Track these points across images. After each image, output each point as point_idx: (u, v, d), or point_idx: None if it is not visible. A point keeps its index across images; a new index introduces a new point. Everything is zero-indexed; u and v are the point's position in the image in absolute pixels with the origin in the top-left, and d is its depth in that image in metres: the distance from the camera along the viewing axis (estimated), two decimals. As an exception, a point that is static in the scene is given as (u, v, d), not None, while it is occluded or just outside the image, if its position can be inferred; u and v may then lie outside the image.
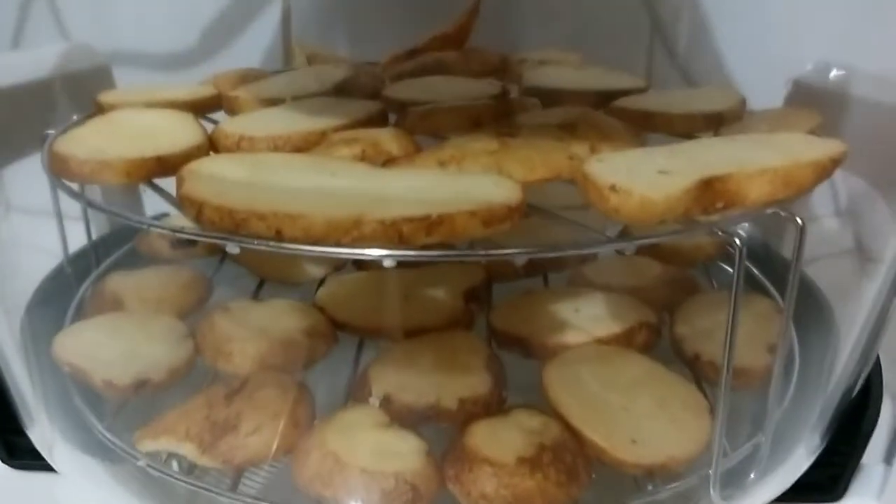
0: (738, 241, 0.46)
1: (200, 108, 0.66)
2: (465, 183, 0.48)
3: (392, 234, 0.44)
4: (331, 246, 0.44)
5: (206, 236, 0.47)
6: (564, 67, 0.82)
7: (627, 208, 0.46)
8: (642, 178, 0.47)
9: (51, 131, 0.59)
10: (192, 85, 0.71)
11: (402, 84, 0.75)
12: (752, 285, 0.69)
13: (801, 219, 0.49)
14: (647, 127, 0.63)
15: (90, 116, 0.64)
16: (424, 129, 0.62)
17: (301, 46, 0.87)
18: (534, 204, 0.48)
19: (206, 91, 0.69)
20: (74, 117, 0.64)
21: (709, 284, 0.73)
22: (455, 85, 0.75)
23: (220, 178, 0.47)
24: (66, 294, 0.70)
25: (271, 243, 0.44)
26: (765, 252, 0.73)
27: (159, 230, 0.48)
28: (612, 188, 0.46)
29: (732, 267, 0.47)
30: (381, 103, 0.66)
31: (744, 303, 0.48)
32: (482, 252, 0.46)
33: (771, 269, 0.71)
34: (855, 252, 0.70)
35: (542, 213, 0.49)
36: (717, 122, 0.64)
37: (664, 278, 0.68)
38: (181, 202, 0.46)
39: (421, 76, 0.78)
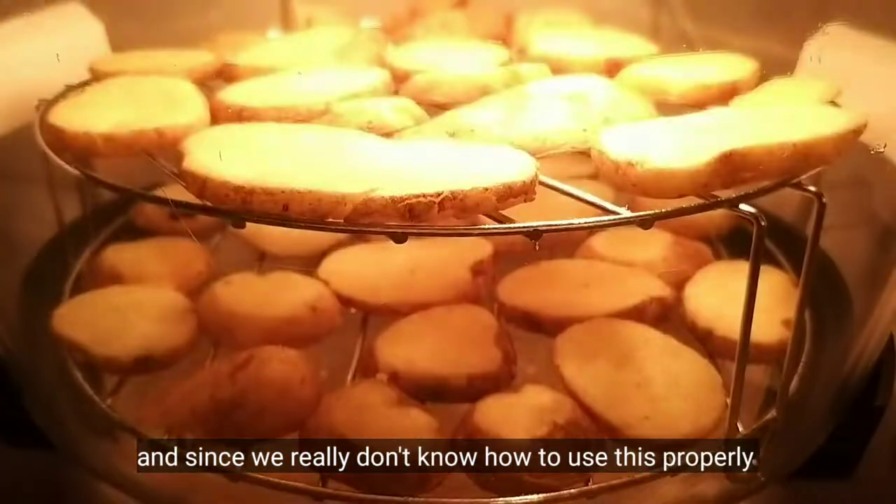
0: (758, 219, 0.45)
1: (198, 77, 0.64)
2: (477, 155, 0.46)
3: (403, 210, 0.42)
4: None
5: (212, 210, 0.45)
6: (572, 30, 0.80)
7: (646, 183, 0.45)
8: (661, 150, 0.45)
9: (44, 99, 0.57)
10: (188, 52, 0.69)
11: (406, 49, 0.73)
12: (764, 256, 0.68)
13: (821, 194, 0.48)
14: (661, 95, 0.61)
15: (84, 84, 0.62)
16: (432, 97, 0.60)
17: (301, 7, 0.85)
18: (544, 179, 0.47)
19: (204, 58, 0.67)
20: (66, 85, 0.62)
21: (719, 255, 0.72)
22: (461, 50, 0.73)
23: (223, 151, 0.46)
24: (62, 266, 0.69)
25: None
26: (776, 222, 0.72)
27: (158, 203, 0.46)
28: (630, 163, 0.45)
29: (746, 240, 0.46)
30: (385, 71, 0.64)
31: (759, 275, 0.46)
32: (496, 227, 0.44)
33: (783, 239, 0.70)
34: (870, 222, 0.69)
35: (554, 187, 0.48)
36: (732, 93, 0.62)
37: (675, 250, 0.67)
38: (183, 177, 0.44)
39: (425, 38, 0.76)
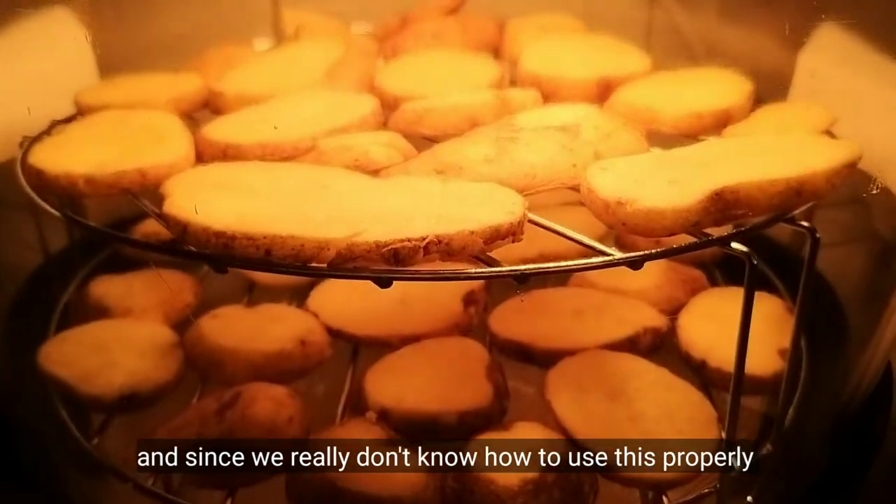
0: (749, 258, 0.44)
1: (184, 107, 0.64)
2: (464, 195, 0.45)
3: (388, 255, 0.41)
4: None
5: (193, 255, 0.44)
6: (564, 38, 0.79)
7: (635, 222, 0.44)
8: (651, 188, 0.44)
9: (27, 136, 0.56)
10: (174, 76, 0.68)
11: (396, 69, 0.72)
12: (760, 282, 0.67)
13: (814, 229, 0.47)
14: (653, 124, 0.60)
15: (69, 119, 0.61)
16: (420, 130, 0.59)
17: (291, 13, 0.83)
18: (533, 217, 0.46)
19: (191, 85, 0.66)
20: (51, 121, 0.61)
21: (714, 279, 0.71)
22: (451, 67, 0.72)
23: (205, 194, 0.45)
24: (48, 297, 0.68)
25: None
26: (770, 243, 0.71)
27: (140, 248, 0.45)
28: (619, 202, 0.44)
29: (741, 264, 0.45)
30: (374, 99, 0.63)
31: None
32: (483, 270, 0.44)
33: (777, 261, 0.69)
34: (867, 241, 0.68)
35: (544, 226, 0.47)
36: (725, 121, 0.61)
37: (669, 277, 0.66)
38: (165, 220, 0.44)
39: (416, 48, 0.75)
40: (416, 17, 0.85)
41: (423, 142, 0.58)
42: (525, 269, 0.43)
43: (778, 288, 0.67)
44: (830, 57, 0.64)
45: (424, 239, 0.41)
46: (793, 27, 0.66)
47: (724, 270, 0.72)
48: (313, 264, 0.42)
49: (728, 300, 0.62)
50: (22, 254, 0.70)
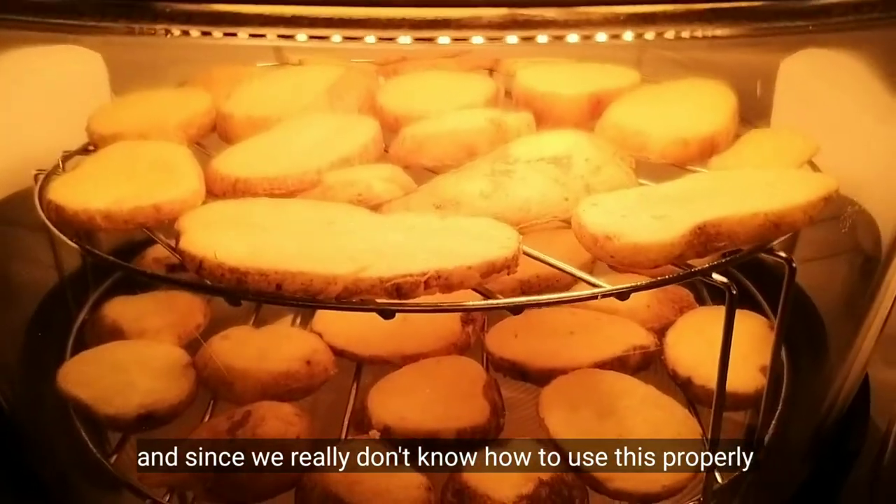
0: (729, 288, 0.47)
1: (193, 133, 0.66)
2: (462, 230, 0.48)
3: (391, 289, 0.44)
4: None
5: (208, 289, 0.47)
6: (557, 62, 0.81)
7: (622, 255, 0.47)
8: (637, 224, 0.47)
9: (42, 170, 0.59)
10: (183, 94, 0.70)
11: (396, 87, 0.75)
12: (746, 300, 0.70)
13: (791, 259, 0.50)
14: (641, 152, 0.63)
15: (82, 150, 0.64)
16: (419, 158, 0.62)
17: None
18: (527, 250, 0.49)
19: (199, 105, 0.68)
20: (63, 152, 0.63)
21: (702, 297, 0.74)
22: (449, 85, 0.74)
23: (218, 231, 0.48)
24: (64, 316, 0.71)
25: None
26: (756, 262, 0.74)
27: (161, 281, 0.48)
28: (607, 237, 0.47)
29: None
30: (374, 123, 0.66)
31: (735, 322, 0.48)
32: (480, 303, 0.47)
33: (761, 278, 0.72)
34: (847, 254, 0.71)
35: (537, 258, 0.50)
36: (710, 148, 0.64)
37: (658, 296, 0.69)
38: (181, 255, 0.46)
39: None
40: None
41: (423, 172, 0.62)
42: (519, 302, 0.46)
43: (762, 304, 0.70)
44: (811, 73, 0.66)
45: (425, 274, 0.44)
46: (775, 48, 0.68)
47: (711, 289, 0.74)
48: (321, 298, 0.45)
49: (714, 319, 0.64)
50: (37, 272, 0.73)
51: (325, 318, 0.67)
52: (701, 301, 0.71)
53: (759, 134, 0.65)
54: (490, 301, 0.47)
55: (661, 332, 0.66)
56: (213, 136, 0.68)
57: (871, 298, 0.63)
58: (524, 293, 0.70)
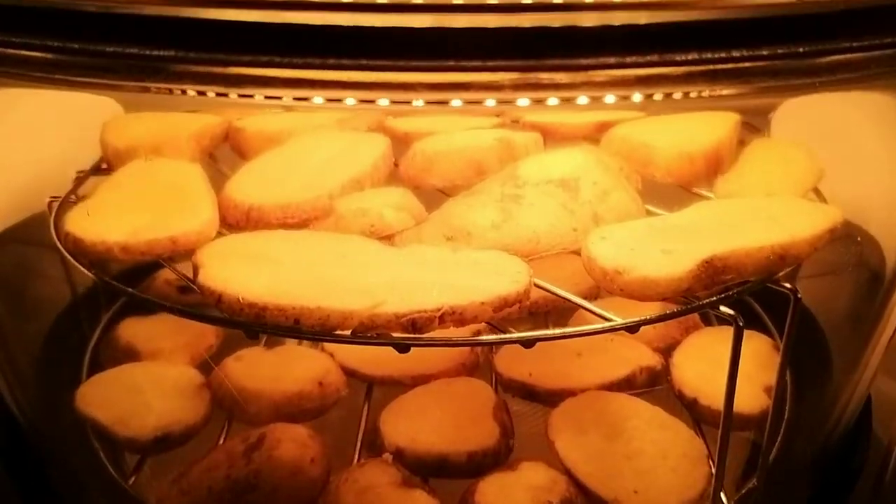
0: (736, 320, 0.48)
1: (206, 144, 0.67)
2: (473, 263, 0.49)
3: (406, 324, 0.45)
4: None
5: (227, 322, 0.48)
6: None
7: (631, 290, 0.48)
8: (645, 257, 0.48)
9: (56, 197, 0.59)
10: (195, 116, 0.71)
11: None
12: (752, 321, 0.71)
13: (796, 290, 0.51)
14: (647, 167, 0.64)
15: (95, 168, 0.65)
16: (430, 178, 0.63)
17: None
18: (539, 282, 0.50)
19: (212, 119, 0.69)
20: (77, 172, 0.64)
21: (708, 318, 0.75)
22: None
23: (235, 265, 0.49)
24: (78, 336, 0.72)
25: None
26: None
27: (180, 315, 0.49)
28: (617, 271, 0.48)
29: (734, 304, 0.49)
30: (384, 139, 0.66)
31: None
32: (493, 338, 0.48)
33: (768, 299, 0.73)
34: (852, 272, 0.72)
35: (549, 290, 0.51)
36: (715, 163, 0.65)
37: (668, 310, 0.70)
38: (200, 289, 0.47)
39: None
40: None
41: (434, 192, 0.62)
42: (531, 336, 0.48)
43: (767, 324, 0.71)
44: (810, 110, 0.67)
45: (439, 310, 0.45)
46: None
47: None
48: (338, 332, 0.46)
49: (719, 340, 0.66)
50: (50, 292, 0.74)
51: (337, 339, 0.68)
52: (707, 321, 0.72)
53: (762, 149, 0.65)
54: (502, 335, 0.48)
55: (667, 352, 0.67)
56: (225, 147, 0.69)
57: (875, 319, 0.64)
58: (531, 314, 0.71)
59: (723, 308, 0.49)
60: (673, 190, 0.65)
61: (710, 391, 0.62)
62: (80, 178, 0.63)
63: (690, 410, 0.63)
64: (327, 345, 0.68)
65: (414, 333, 0.46)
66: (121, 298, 0.74)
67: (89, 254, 0.53)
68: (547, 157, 0.63)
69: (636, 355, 0.65)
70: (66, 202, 0.59)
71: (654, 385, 0.65)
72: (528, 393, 0.64)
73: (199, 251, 0.50)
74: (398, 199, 0.57)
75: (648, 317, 0.48)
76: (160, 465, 0.61)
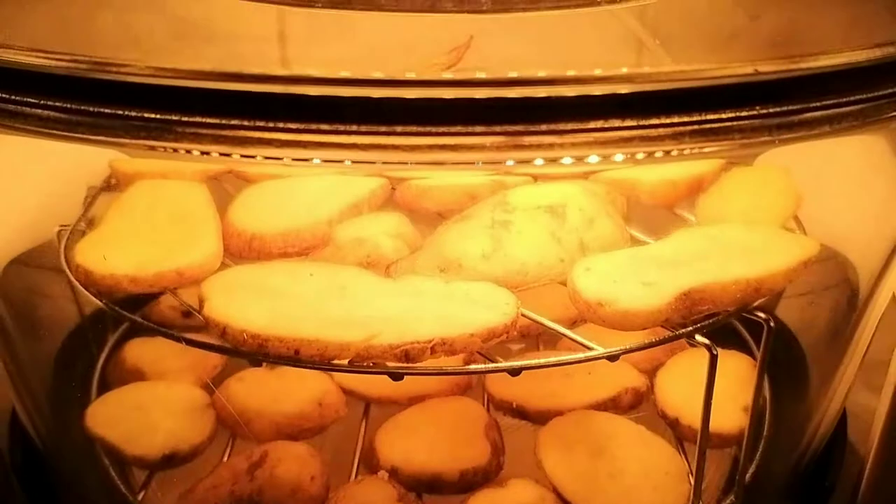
0: (710, 349, 0.51)
1: (211, 174, 0.70)
2: (464, 295, 0.52)
3: (399, 354, 0.48)
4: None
5: (231, 352, 0.51)
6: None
7: (613, 321, 0.51)
8: (627, 290, 0.51)
9: (65, 225, 0.62)
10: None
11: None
12: (731, 337, 0.74)
13: (769, 319, 0.54)
14: (632, 191, 0.67)
15: (104, 186, 0.67)
16: (424, 203, 0.66)
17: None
18: (526, 313, 0.53)
19: None
20: (88, 188, 0.67)
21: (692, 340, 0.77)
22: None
23: (238, 297, 0.52)
24: (86, 359, 0.74)
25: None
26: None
27: (188, 344, 0.52)
28: (599, 303, 0.51)
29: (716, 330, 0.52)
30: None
31: (721, 362, 0.52)
32: (481, 367, 0.51)
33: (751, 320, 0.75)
34: (832, 292, 0.75)
35: (536, 321, 0.54)
36: (697, 187, 0.67)
37: (650, 338, 0.72)
38: (206, 320, 0.50)
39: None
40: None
41: (429, 215, 0.65)
42: (517, 366, 0.51)
43: (747, 340, 0.74)
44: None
45: (431, 341, 0.48)
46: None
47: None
48: (335, 362, 0.49)
49: (702, 363, 0.68)
50: (58, 311, 0.77)
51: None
52: (691, 343, 0.75)
53: (743, 171, 0.68)
54: (490, 365, 0.51)
55: (652, 372, 0.70)
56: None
57: (850, 337, 0.67)
58: (523, 337, 0.74)
59: (698, 337, 0.52)
60: (657, 211, 0.68)
61: (692, 411, 0.65)
62: (90, 197, 0.66)
63: (673, 429, 0.65)
64: (326, 365, 0.71)
65: (407, 363, 0.49)
66: (126, 322, 0.77)
67: (99, 285, 0.55)
68: (536, 187, 0.66)
69: (622, 376, 0.68)
70: (75, 231, 0.62)
71: (639, 405, 0.67)
72: (518, 412, 0.66)
73: (204, 284, 0.53)
74: (394, 226, 0.60)
75: (628, 346, 0.51)
76: (167, 481, 0.64)
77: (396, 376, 0.50)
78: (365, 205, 0.65)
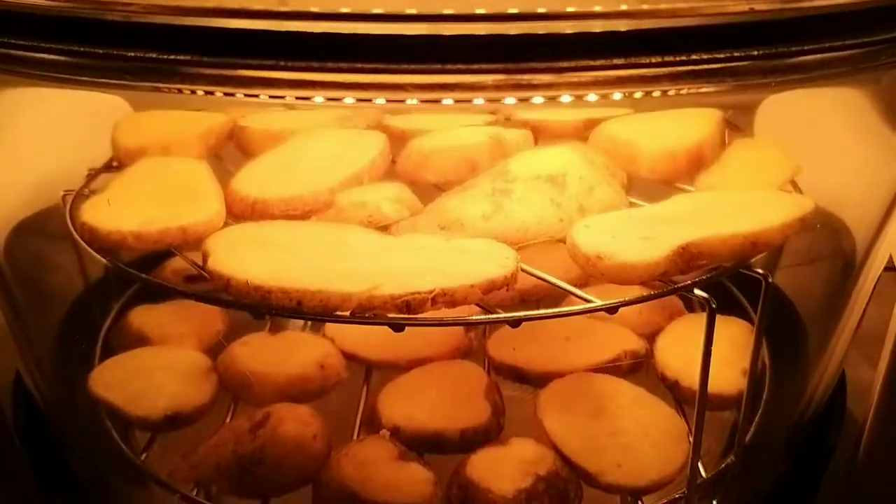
0: (709, 303, 0.51)
1: (212, 142, 0.70)
2: (465, 250, 0.53)
3: (401, 305, 0.49)
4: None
5: (235, 304, 0.52)
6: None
7: (612, 273, 0.51)
8: (625, 244, 0.52)
9: (70, 190, 0.63)
10: (201, 115, 0.74)
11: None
12: (733, 306, 0.74)
13: (767, 275, 0.54)
14: (632, 165, 0.67)
15: (106, 166, 0.68)
16: (425, 174, 0.67)
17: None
18: (525, 268, 0.53)
19: (217, 118, 0.72)
20: (88, 170, 0.68)
21: (691, 306, 0.78)
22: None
23: (242, 251, 0.52)
24: (90, 324, 0.75)
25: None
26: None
27: (191, 298, 0.53)
28: (598, 256, 0.51)
29: (717, 293, 0.52)
30: (382, 134, 0.69)
31: (720, 328, 0.52)
32: (481, 317, 0.51)
33: (748, 285, 0.76)
34: (827, 260, 0.76)
35: (535, 275, 0.54)
36: (697, 160, 0.68)
37: (649, 304, 0.73)
38: (209, 275, 0.51)
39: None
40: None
41: (429, 188, 0.66)
42: (517, 317, 0.51)
43: (746, 308, 0.74)
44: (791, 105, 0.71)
45: (432, 292, 0.49)
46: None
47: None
48: (337, 313, 0.50)
49: (701, 326, 0.68)
50: (63, 279, 0.77)
51: (337, 325, 0.72)
52: (690, 309, 0.76)
53: (742, 148, 0.69)
54: (490, 315, 0.51)
55: (651, 338, 0.70)
56: (230, 146, 0.73)
57: (846, 300, 0.67)
58: (524, 301, 0.74)
59: (697, 291, 0.52)
60: (657, 185, 0.68)
61: (691, 374, 0.65)
62: (92, 175, 0.67)
63: (672, 392, 0.66)
64: (328, 330, 0.71)
65: (408, 314, 0.49)
66: (131, 287, 0.78)
67: (103, 242, 0.56)
68: (536, 154, 0.67)
69: (621, 340, 0.68)
70: (80, 195, 0.63)
71: (639, 369, 0.68)
72: (519, 376, 0.67)
73: (209, 239, 0.54)
74: (395, 192, 0.61)
75: (627, 299, 0.52)
76: (170, 445, 0.65)
77: (397, 327, 0.51)
78: (366, 175, 0.66)
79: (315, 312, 0.49)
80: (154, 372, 0.66)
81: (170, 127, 0.71)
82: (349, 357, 0.69)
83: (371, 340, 0.70)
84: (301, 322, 0.74)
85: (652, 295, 0.52)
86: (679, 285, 0.53)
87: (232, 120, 0.73)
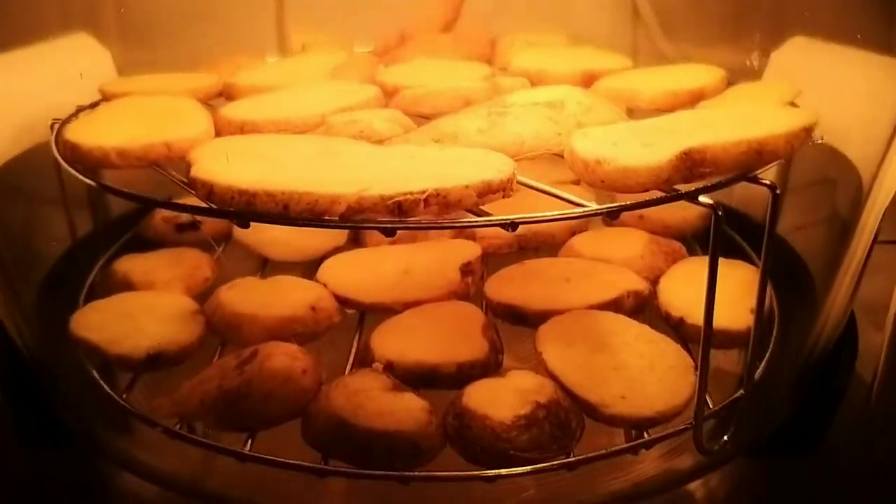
0: (715, 209, 0.49)
1: (201, 97, 0.69)
2: (459, 157, 0.51)
3: (392, 207, 0.47)
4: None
5: (218, 212, 0.49)
6: (552, 48, 0.85)
7: (612, 179, 0.49)
8: (626, 150, 0.50)
9: (58, 119, 0.61)
10: (191, 75, 0.73)
11: (396, 68, 0.78)
12: (737, 253, 0.72)
13: (775, 186, 0.52)
14: (632, 102, 0.66)
15: (95, 104, 0.67)
16: (419, 110, 0.65)
17: (296, 35, 0.89)
18: (522, 179, 0.51)
19: (207, 80, 0.72)
20: (77, 107, 0.66)
21: (694, 252, 0.76)
22: (446, 68, 0.77)
23: (227, 159, 0.50)
24: (76, 275, 0.73)
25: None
26: (747, 220, 0.77)
27: (171, 209, 0.50)
28: (598, 161, 0.49)
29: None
30: (376, 87, 0.68)
31: (727, 271, 0.51)
32: (476, 220, 0.49)
33: (753, 235, 0.74)
34: (833, 218, 0.74)
35: (531, 186, 0.52)
36: (699, 98, 0.67)
37: (651, 248, 0.71)
38: (192, 183, 0.49)
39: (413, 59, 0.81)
40: (412, 32, 0.91)
41: (422, 120, 0.64)
42: (514, 219, 0.49)
43: (753, 260, 0.72)
44: (799, 51, 0.70)
45: (424, 192, 0.46)
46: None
47: (703, 244, 0.77)
48: (326, 217, 0.47)
49: (704, 267, 0.66)
50: (50, 242, 0.76)
51: (330, 271, 0.70)
52: (692, 252, 0.74)
53: (745, 84, 0.68)
54: (485, 218, 0.49)
55: (654, 283, 0.68)
56: (220, 100, 0.71)
57: (851, 237, 0.65)
58: (521, 249, 0.72)
59: (702, 198, 0.50)
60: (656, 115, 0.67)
61: (697, 311, 0.62)
62: (81, 108, 0.65)
63: (678, 331, 0.63)
64: (321, 275, 0.69)
65: (400, 217, 0.47)
66: (117, 242, 0.76)
67: (86, 160, 0.54)
68: (534, 90, 0.66)
69: (624, 280, 0.66)
70: (66, 125, 0.61)
71: (642, 310, 0.66)
72: (517, 316, 0.64)
73: (193, 150, 0.52)
74: (388, 114, 0.59)
75: (627, 202, 0.49)
76: (154, 386, 0.62)
77: (389, 231, 0.48)
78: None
79: (303, 217, 0.47)
80: (138, 314, 0.64)
81: (158, 81, 0.70)
82: (342, 301, 0.67)
83: (365, 284, 0.67)
84: (293, 274, 0.72)
85: (656, 200, 0.50)
86: (683, 192, 0.50)
87: (221, 80, 0.72)
